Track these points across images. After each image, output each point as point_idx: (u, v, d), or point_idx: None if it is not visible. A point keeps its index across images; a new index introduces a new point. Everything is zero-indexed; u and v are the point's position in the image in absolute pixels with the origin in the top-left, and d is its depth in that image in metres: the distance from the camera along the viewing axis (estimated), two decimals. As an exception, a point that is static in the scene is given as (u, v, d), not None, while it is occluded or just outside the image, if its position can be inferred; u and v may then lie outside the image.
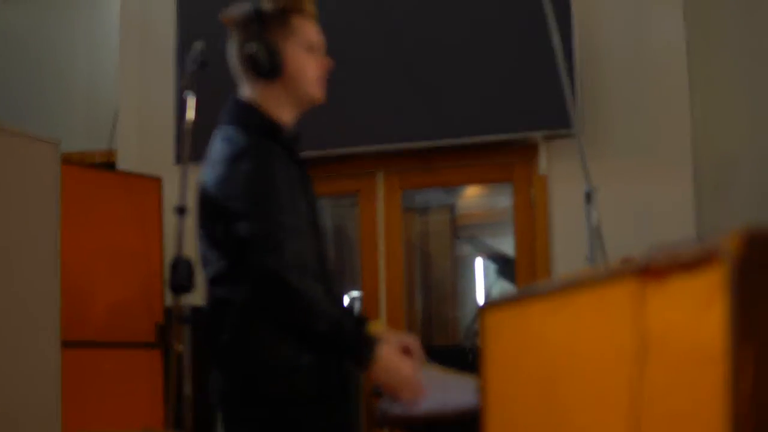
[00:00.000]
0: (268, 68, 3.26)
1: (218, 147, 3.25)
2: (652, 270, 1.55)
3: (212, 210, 3.17)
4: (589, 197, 5.31)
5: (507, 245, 6.96)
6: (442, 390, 3.21)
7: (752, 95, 6.52)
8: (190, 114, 4.80)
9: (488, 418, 2.46)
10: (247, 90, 3.37)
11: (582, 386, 1.83)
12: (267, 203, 3.04)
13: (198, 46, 4.60)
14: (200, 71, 4.86)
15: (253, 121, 3.26)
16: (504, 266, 7.21)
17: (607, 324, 1.72)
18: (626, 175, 6.41)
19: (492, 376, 2.45)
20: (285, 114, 3.34)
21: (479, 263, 7.60)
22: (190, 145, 4.98)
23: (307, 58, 3.34)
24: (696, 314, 1.42)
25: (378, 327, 3.20)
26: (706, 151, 6.52)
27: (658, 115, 6.44)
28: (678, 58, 6.43)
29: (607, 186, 6.03)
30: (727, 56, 6.59)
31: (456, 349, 6.89)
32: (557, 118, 6.07)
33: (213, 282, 3.21)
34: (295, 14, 3.35)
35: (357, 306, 6.94)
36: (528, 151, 6.64)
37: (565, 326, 1.92)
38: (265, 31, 3.29)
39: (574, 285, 1.87)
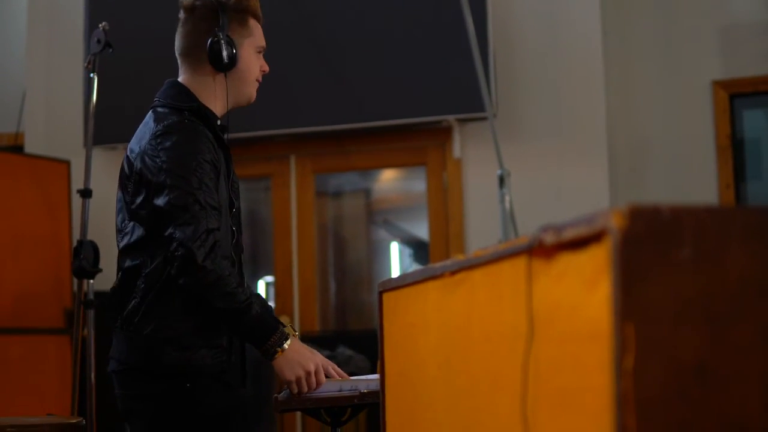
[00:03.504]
0: (227, 61, 3.33)
1: (148, 123, 3.29)
2: (539, 248, 1.54)
3: (135, 182, 3.20)
4: (501, 180, 5.32)
5: (423, 229, 6.96)
6: (342, 385, 3.23)
7: (667, 79, 6.57)
8: (94, 96, 4.75)
9: (387, 398, 2.45)
10: (186, 76, 3.43)
11: (475, 365, 1.83)
12: (188, 178, 3.08)
13: (101, 26, 4.56)
14: (107, 54, 4.80)
15: (187, 103, 3.31)
16: (419, 250, 7.20)
17: (497, 303, 1.72)
18: (541, 159, 6.42)
19: (390, 356, 2.45)
20: (219, 106, 3.40)
21: (395, 247, 7.59)
22: (94, 127, 4.93)
23: (255, 60, 3.45)
24: (582, 292, 1.42)
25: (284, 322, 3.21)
26: (621, 135, 6.56)
27: (573, 98, 6.45)
28: (593, 41, 6.45)
29: (521, 169, 6.05)
30: (643, 40, 6.63)
31: (370, 334, 6.88)
32: (471, 102, 6.06)
33: (125, 251, 3.24)
34: (252, 17, 3.46)
35: (270, 291, 6.93)
36: (442, 134, 6.63)
37: (459, 306, 1.92)
38: (226, 25, 3.36)
39: (468, 265, 1.86)
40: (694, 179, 6.44)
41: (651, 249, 1.32)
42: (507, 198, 5.28)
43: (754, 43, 6.40)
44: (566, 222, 1.46)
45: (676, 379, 1.30)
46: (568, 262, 1.47)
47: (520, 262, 1.61)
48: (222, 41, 3.31)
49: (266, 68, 3.49)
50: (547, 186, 6.37)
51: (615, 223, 1.32)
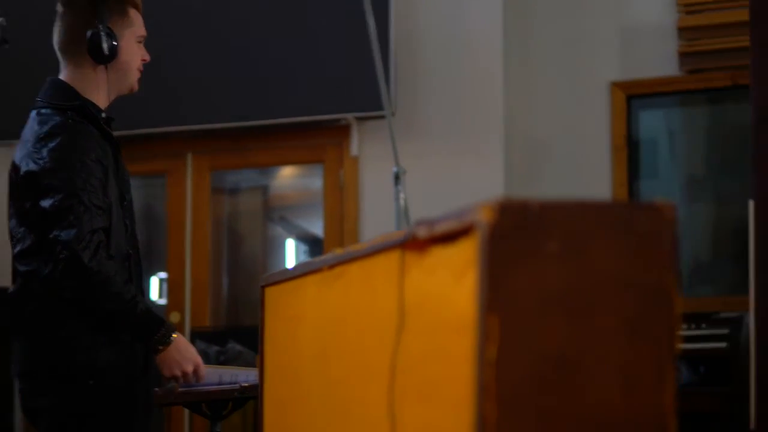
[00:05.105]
0: (107, 53, 3.30)
1: (32, 126, 3.27)
2: (413, 242, 1.55)
3: (22, 186, 3.18)
4: (397, 178, 5.33)
5: (320, 226, 6.96)
6: (222, 374, 3.26)
7: (565, 79, 6.62)
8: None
9: (265, 391, 2.45)
10: (68, 71, 3.40)
11: (349, 357, 1.84)
12: (72, 179, 3.08)
13: (-1, 21, 4.48)
14: (3, 49, 4.73)
15: (69, 102, 3.29)
16: (314, 247, 7.22)
17: (372, 296, 1.73)
18: (439, 158, 6.44)
19: (270, 350, 2.45)
20: (102, 98, 3.38)
21: (291, 244, 7.60)
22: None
23: (136, 50, 3.43)
24: (451, 284, 1.43)
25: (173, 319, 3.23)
26: (518, 135, 6.60)
27: (472, 98, 6.48)
28: (494, 41, 6.47)
29: (419, 168, 6.05)
30: (543, 40, 6.67)
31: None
32: (369, 100, 6.04)
33: (20, 257, 3.21)
34: (131, 6, 3.43)
35: (163, 287, 6.90)
36: (340, 132, 6.62)
37: (336, 299, 1.92)
38: (106, 17, 3.32)
39: (345, 259, 1.87)
40: (589, 179, 6.51)
41: (518, 242, 1.34)
42: (402, 196, 5.29)
43: (653, 44, 6.47)
44: (438, 216, 1.47)
45: (539, 369, 1.32)
46: (440, 255, 1.49)
47: (394, 256, 1.62)
48: (102, 33, 3.28)
49: (147, 57, 3.46)
50: (443, 184, 6.40)
51: (483, 217, 1.33)
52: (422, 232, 1.52)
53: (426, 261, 1.53)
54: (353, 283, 1.83)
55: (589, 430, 1.35)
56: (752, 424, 4.16)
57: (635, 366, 1.38)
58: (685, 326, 5.47)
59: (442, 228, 1.46)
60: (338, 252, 1.91)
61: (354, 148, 6.61)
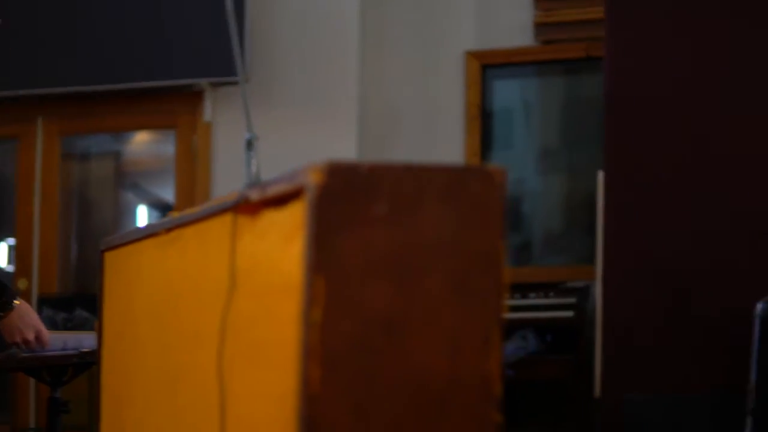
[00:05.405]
0: None
1: None
2: (245, 206, 1.54)
3: None
4: (249, 144, 5.29)
5: (173, 193, 6.89)
6: (67, 340, 3.22)
7: (421, 48, 6.64)
8: None
9: (103, 357, 2.42)
10: None
11: (182, 321, 1.82)
12: None
13: None
14: None
15: None
16: (166, 214, 7.15)
17: (205, 259, 1.72)
18: (293, 125, 6.42)
19: (109, 315, 2.42)
20: None
21: (142, 211, 7.51)
22: None
23: None
24: (280, 247, 1.43)
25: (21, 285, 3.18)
26: (373, 103, 6.61)
27: (327, 66, 6.47)
28: (350, 9, 6.47)
29: (273, 135, 6.01)
30: (400, 9, 6.67)
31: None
32: (224, 66, 6.00)
33: None
34: None
35: (12, 253, 6.79)
36: (194, 98, 6.57)
37: (172, 263, 1.91)
38: None
39: (181, 222, 1.86)
40: (442, 148, 6.54)
41: (347, 205, 1.34)
42: (254, 162, 5.26)
43: (509, 14, 6.51)
44: (270, 179, 1.46)
45: (365, 332, 1.33)
46: (271, 218, 1.48)
47: (227, 219, 1.61)
48: None
49: None
50: (297, 151, 6.36)
51: (312, 179, 1.33)
52: (255, 195, 1.51)
53: (258, 224, 1.53)
54: (188, 247, 1.81)
55: (413, 392, 1.36)
56: (596, 392, 4.25)
57: (461, 330, 1.39)
58: (533, 295, 5.56)
59: (273, 191, 1.45)
60: (175, 216, 1.89)
61: (207, 114, 6.56)
